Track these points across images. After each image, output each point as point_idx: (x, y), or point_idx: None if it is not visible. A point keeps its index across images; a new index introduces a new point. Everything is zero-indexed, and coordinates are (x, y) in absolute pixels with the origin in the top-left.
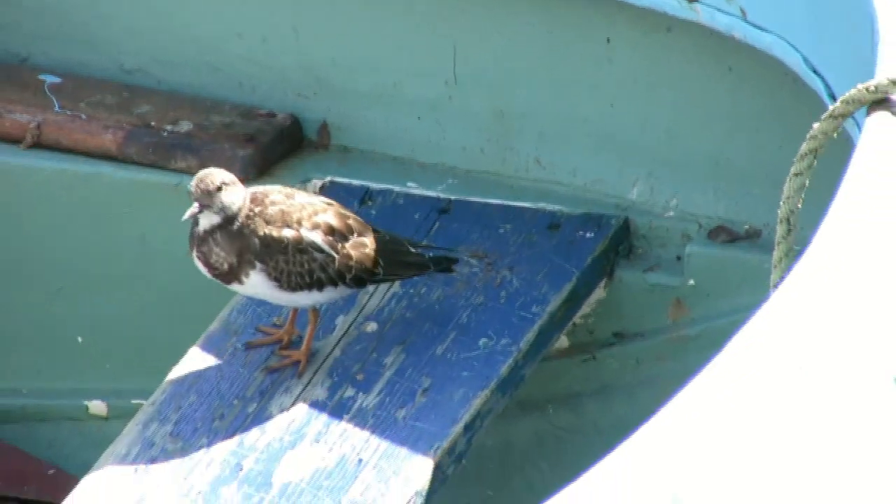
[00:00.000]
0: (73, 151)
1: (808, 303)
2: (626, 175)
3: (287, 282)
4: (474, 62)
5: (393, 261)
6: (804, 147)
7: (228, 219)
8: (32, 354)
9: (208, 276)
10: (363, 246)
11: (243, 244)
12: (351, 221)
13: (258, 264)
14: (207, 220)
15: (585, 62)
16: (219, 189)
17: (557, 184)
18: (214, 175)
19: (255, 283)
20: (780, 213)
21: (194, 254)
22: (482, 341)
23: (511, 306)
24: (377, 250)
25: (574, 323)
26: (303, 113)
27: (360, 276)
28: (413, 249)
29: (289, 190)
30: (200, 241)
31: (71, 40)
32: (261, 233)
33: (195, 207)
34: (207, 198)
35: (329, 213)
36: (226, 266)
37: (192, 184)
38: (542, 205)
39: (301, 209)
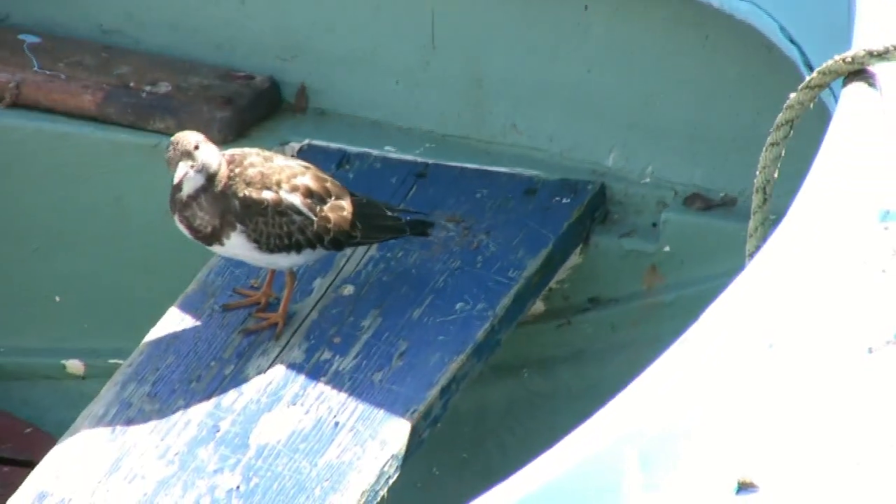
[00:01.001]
0: (51, 111)
1: (782, 274)
2: (603, 142)
3: (266, 243)
4: (452, 27)
5: (370, 224)
6: (780, 117)
7: (210, 179)
8: (9, 313)
9: (190, 237)
10: (341, 209)
11: (225, 206)
12: (328, 185)
13: (238, 226)
14: (191, 185)
15: (563, 29)
16: (196, 148)
17: (534, 149)
18: (189, 136)
19: (235, 245)
20: (755, 183)
21: (176, 218)
22: (458, 305)
23: (488, 271)
24: (354, 213)
25: (550, 288)
26: (281, 76)
27: (338, 239)
28: (389, 213)
29: (266, 153)
30: (184, 205)
31: (50, 0)
32: (241, 194)
33: (183, 168)
34: (188, 157)
35: (307, 175)
36: (209, 229)
37: (169, 149)
38: (518, 170)
39: (280, 171)
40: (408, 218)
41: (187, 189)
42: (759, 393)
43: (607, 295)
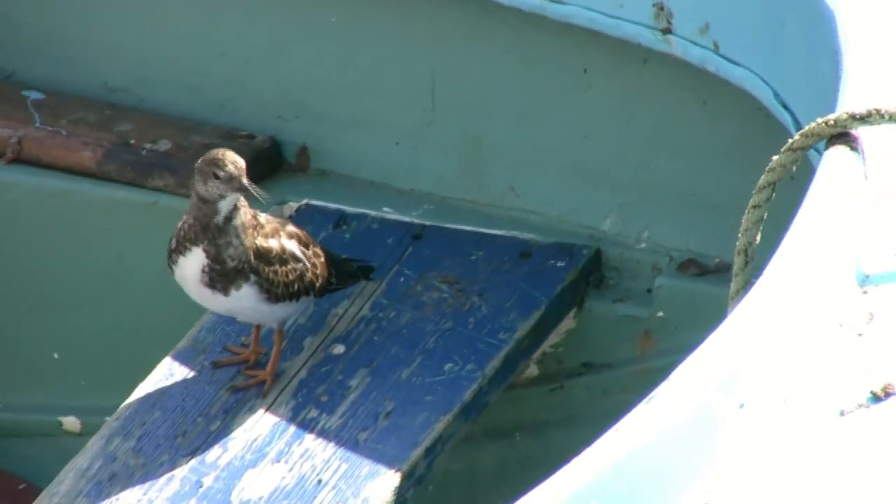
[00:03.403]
0: (52, 167)
1: (756, 333)
2: (600, 206)
3: (275, 293)
4: (452, 90)
5: (338, 270)
6: (763, 179)
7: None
8: (7, 369)
9: (196, 283)
10: (319, 255)
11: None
12: (305, 233)
13: (252, 276)
14: (228, 204)
15: (562, 92)
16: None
17: (531, 213)
18: (234, 154)
19: (243, 296)
20: (737, 246)
21: (202, 248)
22: (447, 366)
23: (479, 332)
24: (328, 261)
25: (544, 352)
26: (282, 136)
27: (323, 286)
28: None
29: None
30: (219, 231)
31: (56, 58)
32: (256, 243)
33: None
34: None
35: (290, 225)
36: (235, 263)
37: (231, 166)
38: (514, 233)
39: (271, 220)
40: (356, 265)
41: (223, 211)
42: (728, 452)
43: (600, 360)
